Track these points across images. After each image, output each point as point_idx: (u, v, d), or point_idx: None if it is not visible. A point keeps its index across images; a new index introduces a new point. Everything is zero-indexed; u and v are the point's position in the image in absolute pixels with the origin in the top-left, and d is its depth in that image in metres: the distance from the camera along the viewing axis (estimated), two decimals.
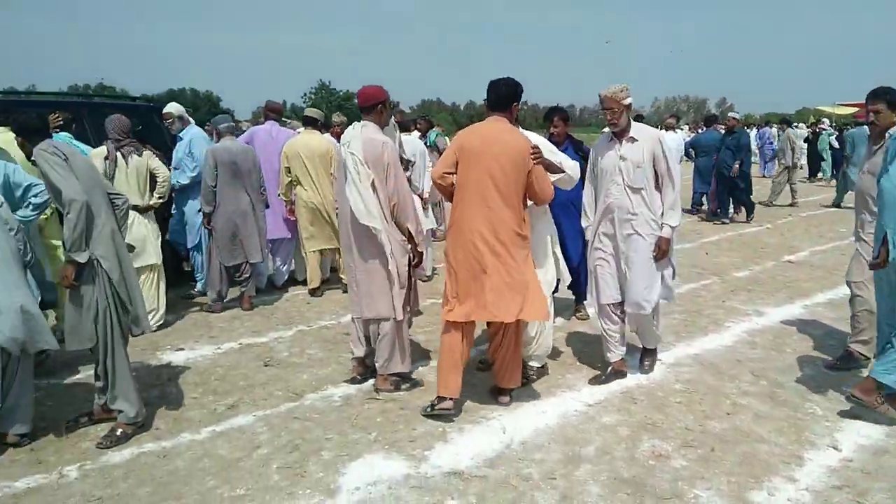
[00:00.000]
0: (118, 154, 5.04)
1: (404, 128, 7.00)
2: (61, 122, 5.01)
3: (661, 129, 11.41)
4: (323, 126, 7.30)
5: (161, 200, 5.47)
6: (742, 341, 4.97)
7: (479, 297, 3.61)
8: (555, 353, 4.62)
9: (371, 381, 4.21)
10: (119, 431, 3.46)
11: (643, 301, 3.95)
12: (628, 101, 3.88)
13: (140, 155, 5.20)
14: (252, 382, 4.31)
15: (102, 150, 5.01)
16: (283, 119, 7.88)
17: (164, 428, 3.66)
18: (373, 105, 3.97)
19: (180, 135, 6.26)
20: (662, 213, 3.97)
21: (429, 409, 3.70)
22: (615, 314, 4.12)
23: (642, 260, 3.94)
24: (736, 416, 3.68)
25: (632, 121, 3.99)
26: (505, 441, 3.43)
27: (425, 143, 8.17)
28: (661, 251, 3.95)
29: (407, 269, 3.99)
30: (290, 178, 6.35)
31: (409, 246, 3.99)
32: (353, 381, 4.26)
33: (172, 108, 6.39)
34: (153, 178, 5.35)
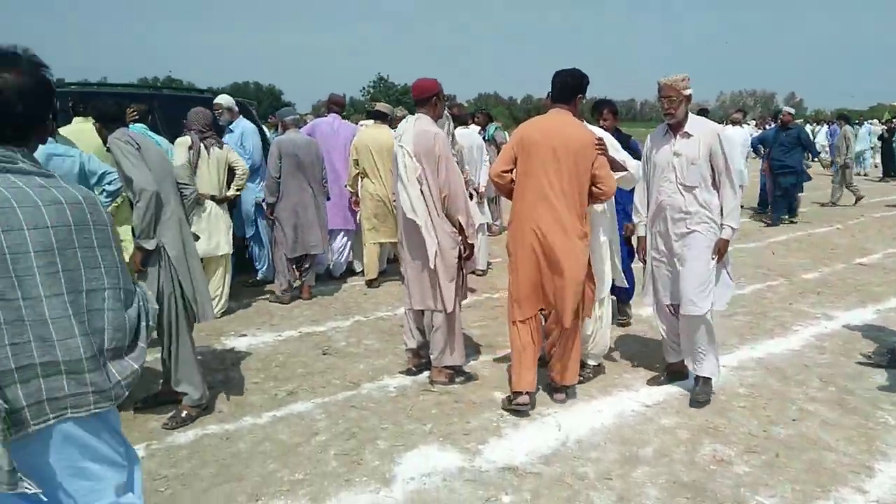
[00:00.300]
0: (202, 145, 5.19)
1: (462, 121, 6.99)
2: (136, 116, 5.20)
3: (726, 123, 11.05)
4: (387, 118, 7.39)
5: (238, 192, 5.61)
6: (810, 345, 4.78)
7: (541, 293, 3.66)
8: (612, 353, 4.55)
9: (426, 373, 4.24)
10: (184, 413, 3.59)
11: (696, 300, 3.69)
12: (688, 91, 3.66)
13: (220, 148, 5.34)
14: (311, 370, 4.41)
15: (187, 140, 5.13)
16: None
17: (226, 411, 3.78)
18: (427, 97, 4.00)
19: (230, 127, 6.40)
20: (721, 214, 3.73)
21: (506, 403, 3.72)
22: (674, 315, 3.97)
23: (696, 259, 3.70)
24: (802, 423, 3.55)
25: (690, 114, 3.77)
26: (560, 438, 3.41)
27: (484, 137, 8.14)
28: (720, 254, 3.71)
29: (456, 261, 4.00)
30: (357, 171, 6.45)
31: (460, 238, 4.00)
32: (408, 372, 4.31)
33: (222, 99, 6.56)
34: (231, 170, 5.50)
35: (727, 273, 3.85)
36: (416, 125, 3.92)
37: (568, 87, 3.66)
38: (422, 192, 3.86)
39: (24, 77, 1.45)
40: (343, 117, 7.44)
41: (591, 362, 4.19)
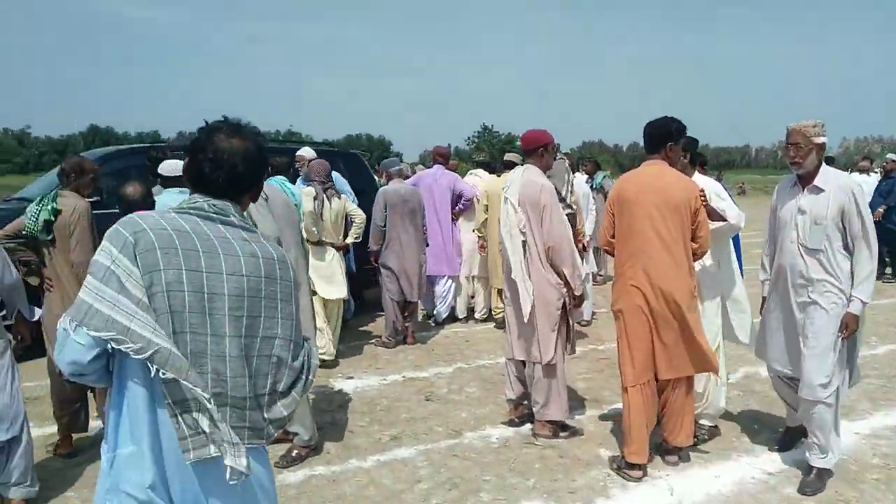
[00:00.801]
0: (324, 195, 5.42)
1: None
2: (277, 168, 5.49)
3: (851, 171, 10.32)
4: (490, 167, 7.55)
5: (356, 240, 5.82)
6: None
7: (652, 356, 3.45)
8: (729, 414, 4.29)
9: (528, 425, 4.16)
10: (294, 453, 3.70)
11: (817, 387, 3.23)
12: (821, 139, 3.28)
13: (339, 198, 5.59)
14: (414, 416, 4.44)
15: (311, 190, 5.35)
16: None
17: (333, 453, 3.86)
18: (535, 148, 4.02)
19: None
20: (853, 283, 3.26)
21: (615, 466, 3.57)
22: (788, 385, 3.59)
23: (817, 337, 3.25)
24: None
25: (824, 166, 3.36)
26: None
27: (591, 186, 8.09)
28: (848, 330, 3.24)
29: (559, 312, 3.93)
30: (486, 216, 6.61)
31: (565, 290, 3.94)
32: (510, 423, 4.25)
33: (305, 151, 6.68)
34: (347, 219, 5.73)
35: (857, 348, 3.42)
36: (524, 175, 3.96)
37: (654, 139, 3.52)
38: (524, 243, 3.87)
39: (246, 143, 1.64)
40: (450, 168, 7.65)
41: (706, 423, 3.96)
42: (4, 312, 3.30)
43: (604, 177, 8.61)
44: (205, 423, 1.48)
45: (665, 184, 3.39)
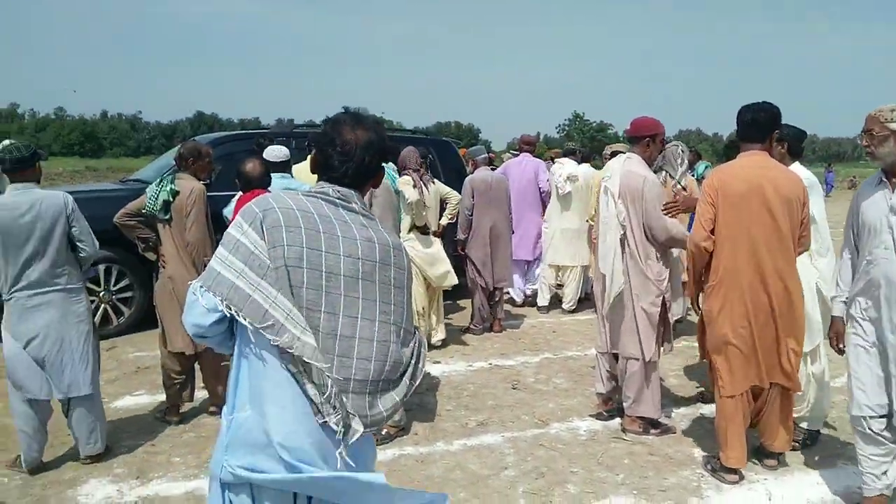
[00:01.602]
0: (422, 182, 5.43)
1: None
2: None
3: None
4: (582, 158, 7.45)
5: (451, 220, 5.86)
6: None
7: (754, 363, 3.24)
8: (836, 419, 4.05)
9: (617, 420, 4.09)
10: (384, 431, 3.80)
11: None
12: None
13: (434, 183, 5.63)
14: (500, 403, 4.45)
15: (409, 179, 5.34)
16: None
17: (421, 434, 3.94)
18: (642, 136, 3.86)
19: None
20: None
21: (709, 468, 3.46)
22: (878, 434, 2.89)
23: None
24: None
25: None
26: None
27: (694, 176, 7.78)
28: None
29: (659, 308, 3.82)
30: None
31: (665, 285, 3.81)
32: (598, 416, 4.18)
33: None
34: (442, 201, 5.78)
35: None
36: (625, 165, 3.83)
37: (760, 124, 3.22)
38: (624, 236, 3.76)
39: (369, 133, 1.70)
40: (536, 156, 7.62)
41: (806, 426, 3.75)
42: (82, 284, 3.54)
43: (705, 167, 8.25)
44: (322, 394, 1.53)
45: (774, 176, 3.16)
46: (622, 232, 3.76)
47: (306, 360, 1.51)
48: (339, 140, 1.67)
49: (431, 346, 5.64)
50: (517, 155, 7.72)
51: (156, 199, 3.80)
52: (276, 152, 4.51)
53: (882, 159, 2.84)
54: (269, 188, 3.85)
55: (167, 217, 3.83)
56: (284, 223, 1.56)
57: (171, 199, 3.81)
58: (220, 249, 1.57)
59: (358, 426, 1.58)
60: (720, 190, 3.22)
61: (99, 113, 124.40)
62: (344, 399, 1.57)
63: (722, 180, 3.24)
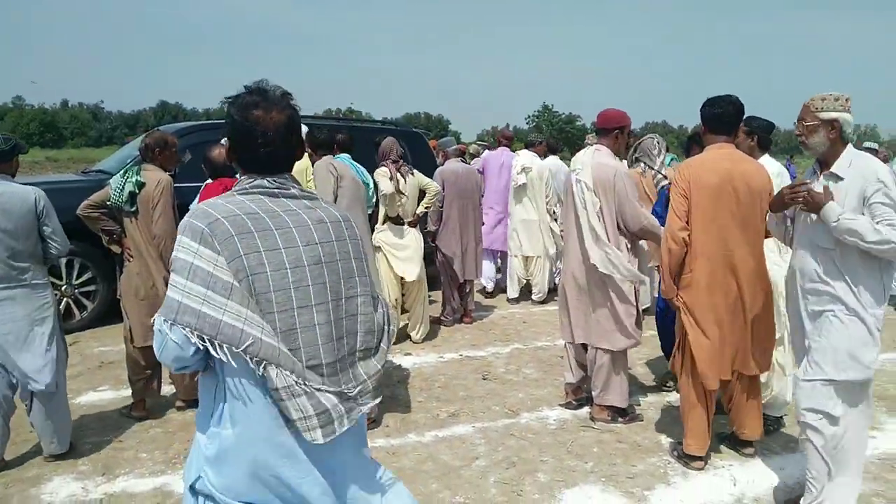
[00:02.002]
0: (398, 174, 5.36)
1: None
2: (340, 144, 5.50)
3: None
4: (550, 149, 7.52)
5: (427, 210, 5.80)
6: None
7: (727, 354, 3.28)
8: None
9: (586, 408, 4.14)
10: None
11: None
12: (829, 115, 2.70)
13: (413, 175, 5.54)
14: (471, 394, 4.47)
15: (385, 170, 5.25)
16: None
17: (392, 426, 3.94)
18: (611, 128, 3.91)
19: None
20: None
21: (674, 454, 3.52)
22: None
23: (831, 348, 2.74)
24: None
25: (850, 150, 2.74)
26: (735, 494, 3.16)
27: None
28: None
29: (632, 299, 3.87)
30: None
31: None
32: (567, 405, 4.23)
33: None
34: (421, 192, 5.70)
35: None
36: (595, 158, 3.86)
37: (726, 117, 3.25)
38: (602, 226, 3.79)
39: (285, 111, 1.60)
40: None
41: (770, 413, 3.85)
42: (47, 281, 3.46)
43: (671, 159, 8.35)
44: (309, 407, 1.51)
45: (744, 170, 3.19)
46: (599, 221, 3.78)
47: (286, 374, 1.48)
48: (258, 131, 1.57)
49: (408, 339, 5.64)
50: (488, 147, 7.80)
51: (121, 190, 3.71)
52: None
53: (813, 149, 2.80)
54: (236, 175, 3.79)
55: (133, 209, 3.74)
56: (235, 232, 1.49)
57: (137, 191, 3.73)
58: (174, 277, 1.47)
59: (341, 424, 1.56)
60: (692, 182, 3.22)
61: (59, 102, 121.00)
62: (322, 399, 1.54)
63: (693, 173, 3.24)
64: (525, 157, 7.04)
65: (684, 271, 3.32)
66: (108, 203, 3.78)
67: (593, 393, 4.04)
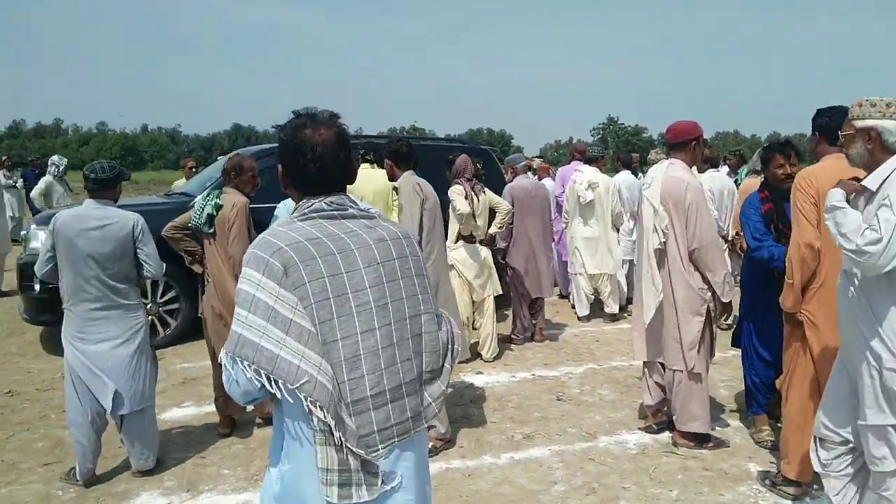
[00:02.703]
0: (472, 192, 5.34)
1: (713, 163, 6.67)
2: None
3: None
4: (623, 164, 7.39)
5: (500, 230, 5.78)
6: None
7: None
8: None
9: (668, 433, 3.99)
10: (430, 444, 3.76)
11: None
12: (865, 122, 2.46)
13: (484, 193, 5.54)
14: (546, 415, 4.39)
15: (461, 189, 5.27)
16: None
17: (466, 447, 3.90)
18: (684, 141, 3.80)
19: None
20: None
21: (769, 486, 3.33)
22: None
23: None
24: None
25: (892, 161, 2.42)
26: None
27: (735, 181, 7.63)
28: None
29: (703, 319, 3.72)
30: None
31: (709, 295, 3.72)
32: (647, 429, 4.09)
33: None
34: (491, 210, 5.68)
35: None
36: (668, 172, 3.76)
37: (838, 127, 2.94)
38: (665, 245, 3.68)
39: (332, 129, 1.60)
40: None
41: None
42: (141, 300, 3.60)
43: (747, 172, 8.06)
44: (335, 461, 1.47)
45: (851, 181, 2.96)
46: (663, 240, 3.68)
47: (332, 422, 1.44)
48: (307, 146, 1.56)
49: (479, 358, 5.61)
50: (562, 163, 7.78)
51: (201, 212, 3.86)
52: None
53: (853, 161, 2.56)
54: None
55: (211, 231, 3.87)
56: (299, 259, 1.48)
57: (215, 213, 3.86)
58: (238, 309, 1.47)
59: (359, 490, 1.50)
60: (820, 191, 2.96)
61: (140, 127, 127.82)
62: (391, 418, 1.53)
63: (821, 180, 2.99)
64: (589, 172, 6.91)
65: (812, 282, 3.09)
66: (189, 225, 3.93)
67: (674, 417, 3.89)
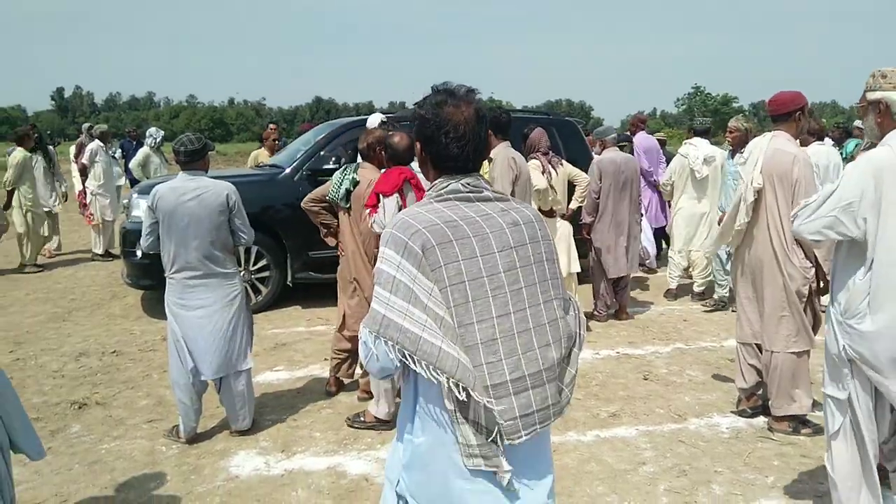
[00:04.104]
0: (550, 166, 5.29)
1: (819, 136, 6.25)
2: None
3: None
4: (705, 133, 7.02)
5: (580, 205, 5.69)
6: None
7: None
8: None
9: (762, 418, 3.84)
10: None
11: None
12: (874, 95, 2.41)
13: (562, 165, 5.45)
14: (632, 394, 4.30)
15: (537, 163, 5.21)
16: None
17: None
18: (788, 112, 3.59)
19: None
20: None
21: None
22: None
23: None
24: None
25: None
26: None
27: (842, 155, 7.15)
28: None
29: (805, 299, 3.54)
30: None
31: (813, 272, 3.52)
32: (741, 413, 3.95)
33: (373, 118, 6.18)
34: (571, 184, 5.59)
35: None
36: (772, 144, 3.56)
37: None
38: (768, 221, 3.50)
39: (472, 105, 1.58)
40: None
41: None
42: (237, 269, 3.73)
43: (856, 145, 7.55)
44: (475, 438, 1.48)
45: None
46: (746, 220, 3.58)
47: (478, 398, 1.45)
48: (450, 125, 1.54)
49: None
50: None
51: (339, 187, 3.93)
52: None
53: (868, 135, 2.48)
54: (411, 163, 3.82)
55: (347, 206, 3.94)
56: (436, 242, 1.48)
57: (352, 189, 3.92)
58: (378, 289, 1.49)
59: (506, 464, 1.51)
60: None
61: (227, 100, 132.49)
62: (533, 405, 1.51)
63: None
64: (703, 146, 6.57)
65: None
66: (326, 198, 4.02)
67: (769, 401, 3.73)
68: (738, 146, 5.64)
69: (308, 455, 3.51)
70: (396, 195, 3.60)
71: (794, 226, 2.56)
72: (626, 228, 5.95)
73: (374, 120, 6.19)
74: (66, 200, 8.85)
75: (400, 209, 3.54)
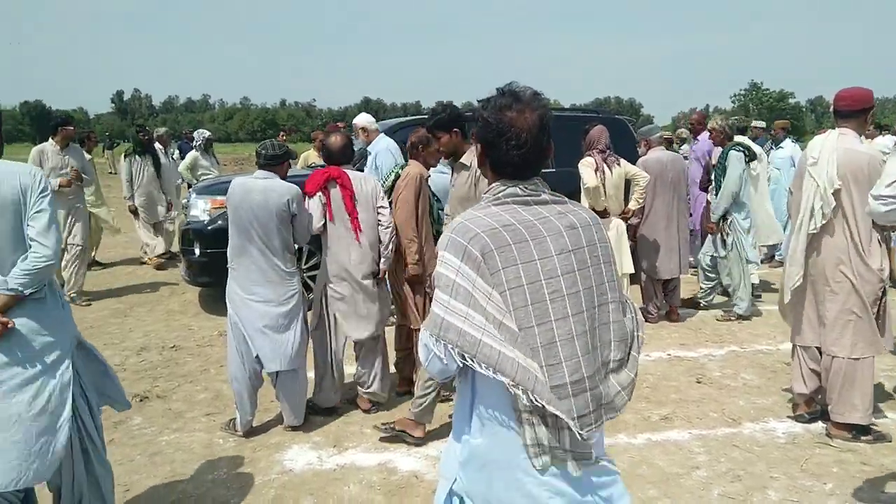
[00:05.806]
0: (605, 165, 5.23)
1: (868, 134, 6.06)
2: None
3: None
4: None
5: (640, 205, 5.57)
6: None
7: None
8: None
9: (820, 423, 3.73)
10: None
11: None
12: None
13: (619, 164, 5.36)
14: (684, 397, 4.23)
15: (591, 161, 5.19)
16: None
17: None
18: (860, 110, 3.50)
19: (368, 148, 6.07)
20: None
21: None
22: None
23: None
24: None
25: None
26: None
27: None
28: None
29: (878, 301, 3.42)
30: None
31: (886, 274, 3.42)
32: (798, 418, 3.85)
33: (359, 119, 6.26)
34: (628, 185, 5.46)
35: None
36: (841, 142, 3.47)
37: None
38: (847, 223, 3.42)
39: (536, 111, 1.57)
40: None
41: None
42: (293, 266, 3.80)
43: None
44: (545, 437, 1.50)
45: None
46: (823, 222, 3.47)
47: (538, 402, 1.46)
48: (512, 131, 1.54)
49: None
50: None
51: (385, 181, 4.20)
52: None
53: None
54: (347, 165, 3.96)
55: (390, 199, 4.08)
56: (495, 246, 1.49)
57: (391, 183, 4.15)
58: (438, 293, 1.51)
59: (583, 456, 1.53)
60: None
61: (278, 101, 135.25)
62: (589, 407, 1.52)
63: None
64: (789, 146, 6.45)
65: None
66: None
67: (828, 406, 3.63)
68: (717, 145, 5.99)
69: (359, 451, 3.57)
70: (319, 194, 3.81)
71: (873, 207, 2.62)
72: (673, 229, 5.85)
73: (360, 120, 6.25)
74: (170, 208, 8.71)
75: (325, 207, 3.80)
